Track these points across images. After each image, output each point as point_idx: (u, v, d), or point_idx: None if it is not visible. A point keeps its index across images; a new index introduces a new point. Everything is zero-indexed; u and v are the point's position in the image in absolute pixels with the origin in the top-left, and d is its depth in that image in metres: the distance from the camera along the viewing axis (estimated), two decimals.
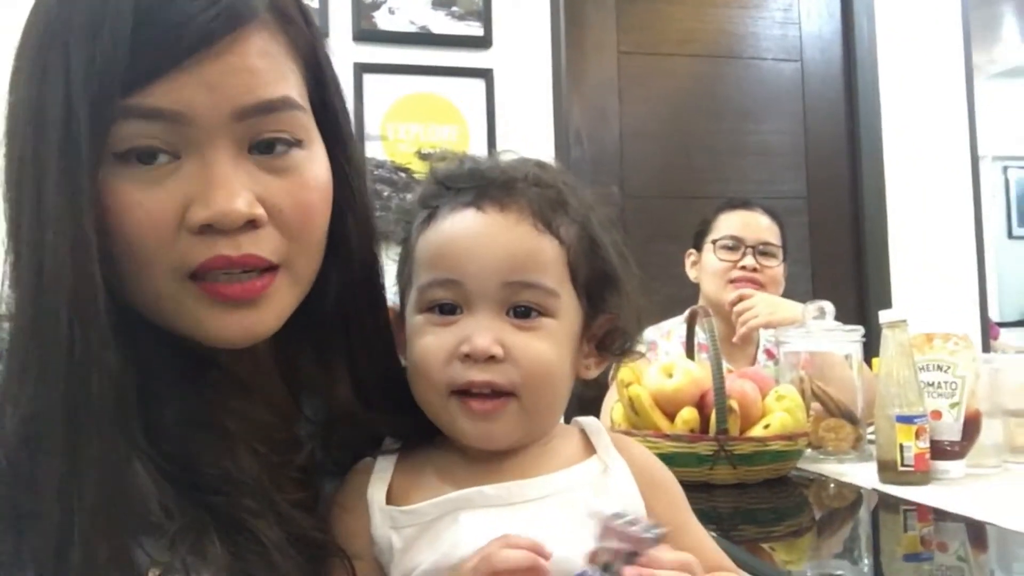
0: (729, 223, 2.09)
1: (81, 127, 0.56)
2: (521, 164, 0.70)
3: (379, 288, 0.73)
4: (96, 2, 0.57)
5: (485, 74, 2.65)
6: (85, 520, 0.53)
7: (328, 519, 0.67)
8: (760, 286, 2.01)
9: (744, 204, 2.12)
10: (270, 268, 0.62)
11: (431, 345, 0.66)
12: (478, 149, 2.61)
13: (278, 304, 0.63)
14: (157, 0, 0.57)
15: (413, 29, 2.62)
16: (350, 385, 0.71)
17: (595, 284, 0.69)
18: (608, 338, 0.72)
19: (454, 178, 0.69)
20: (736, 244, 2.05)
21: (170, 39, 0.56)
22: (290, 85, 0.62)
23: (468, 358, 0.64)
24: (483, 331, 0.64)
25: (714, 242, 2.08)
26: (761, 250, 2.05)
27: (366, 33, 2.58)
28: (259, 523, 0.59)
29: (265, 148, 0.61)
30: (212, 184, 0.58)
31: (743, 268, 2.02)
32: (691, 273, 2.17)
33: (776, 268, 2.06)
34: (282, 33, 0.63)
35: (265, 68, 0.60)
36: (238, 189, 0.59)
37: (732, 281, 2.02)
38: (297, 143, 0.63)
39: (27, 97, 0.59)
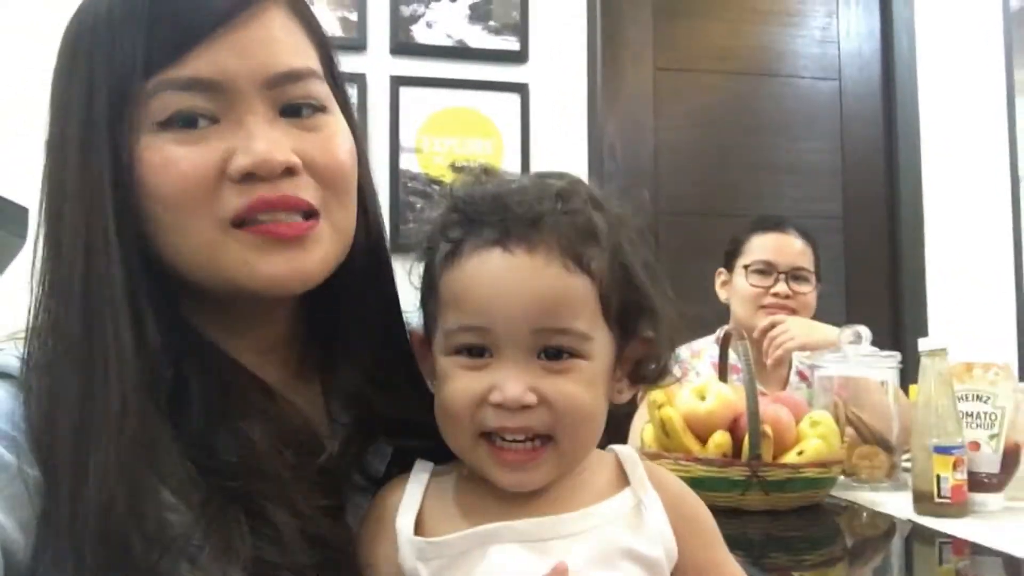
0: (762, 246, 2.05)
1: (99, 107, 0.61)
2: (545, 186, 0.66)
3: (389, 271, 0.77)
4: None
5: (521, 88, 2.66)
6: (99, 473, 0.56)
7: (356, 541, 0.67)
8: (792, 312, 1.98)
9: (777, 225, 2.08)
10: (310, 214, 0.65)
11: (460, 390, 0.64)
12: (512, 162, 2.61)
13: (323, 249, 0.66)
14: None
15: (450, 43, 2.63)
16: (368, 371, 0.73)
17: (627, 312, 0.67)
18: (641, 364, 0.70)
19: (475, 206, 0.65)
20: (768, 269, 2.02)
21: (196, 14, 0.62)
22: (310, 58, 0.68)
23: (500, 406, 0.62)
24: (514, 379, 0.62)
25: (746, 267, 2.04)
26: (794, 275, 2.01)
27: (403, 47, 2.59)
28: (276, 512, 0.61)
29: (294, 112, 0.66)
30: (250, 136, 0.63)
31: (775, 295, 1.99)
32: (721, 294, 2.14)
33: (809, 294, 2.03)
34: (296, 13, 0.68)
35: (288, 41, 0.66)
36: (275, 139, 0.63)
37: (763, 307, 2.00)
38: (322, 108, 0.68)
39: (57, 84, 0.65)
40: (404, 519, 0.65)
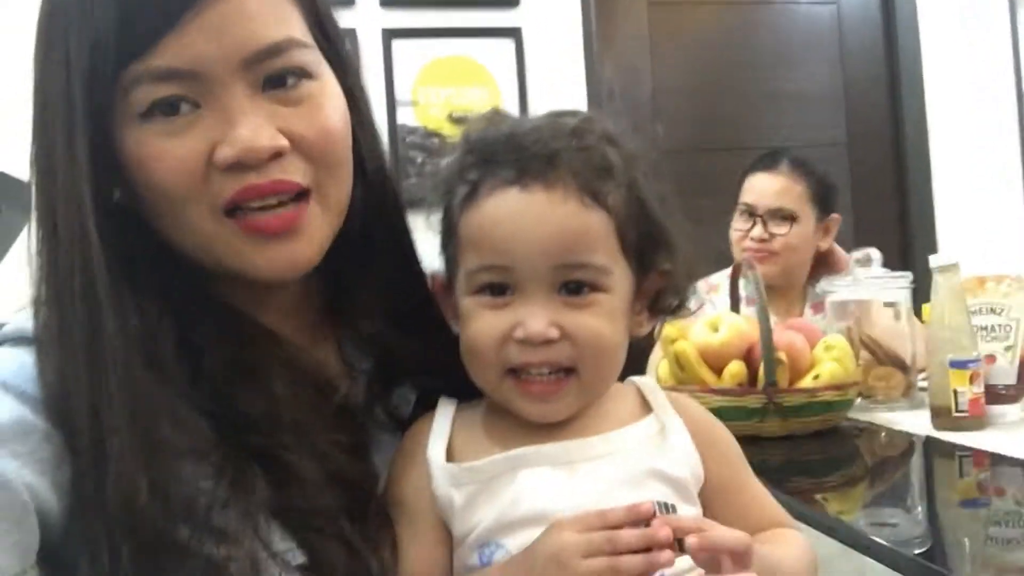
0: (748, 188, 2.02)
1: (78, 98, 0.60)
2: (560, 124, 0.67)
3: (399, 207, 0.75)
4: None
5: (514, 33, 2.63)
6: (118, 458, 0.56)
7: (389, 474, 0.68)
8: (772, 254, 1.95)
9: (769, 164, 2.02)
10: (301, 195, 0.64)
11: (484, 328, 0.65)
12: (509, 110, 2.58)
13: (315, 233, 0.65)
14: None
15: None
16: (385, 313, 0.72)
17: (645, 245, 0.68)
18: (660, 297, 0.71)
19: (491, 147, 0.66)
20: (750, 211, 1.99)
21: None
22: (292, 25, 0.64)
23: (524, 342, 0.63)
24: (537, 315, 0.63)
25: (736, 208, 2.03)
26: (773, 215, 1.96)
27: None
28: (296, 459, 0.61)
29: (278, 82, 0.63)
30: (233, 124, 0.61)
31: (752, 239, 1.96)
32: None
33: (789, 234, 1.96)
34: None
35: (264, 12, 0.62)
36: (259, 125, 0.61)
37: (745, 251, 1.96)
38: (308, 75, 0.65)
39: (36, 82, 0.63)
40: (435, 448, 0.66)
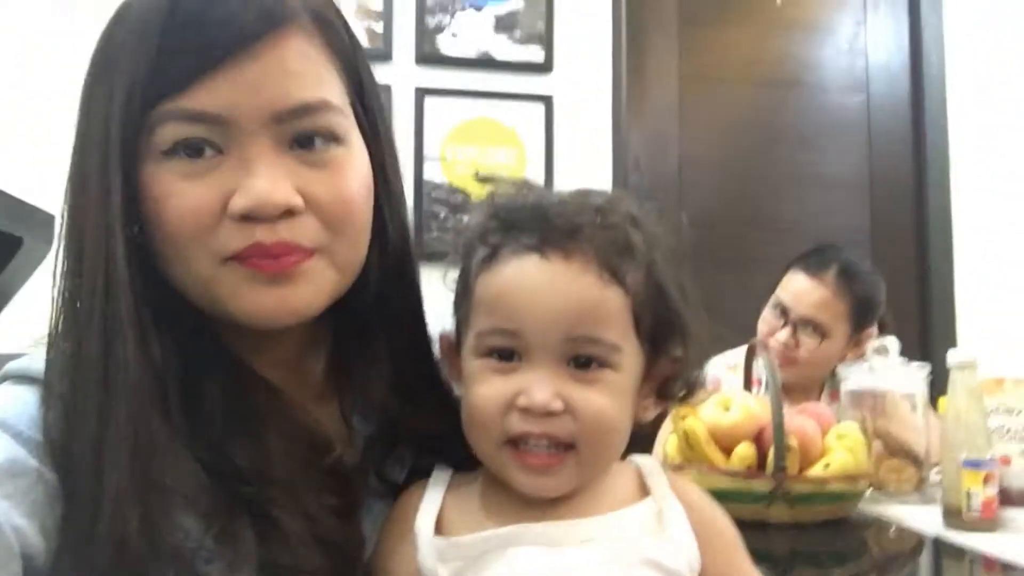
0: (786, 285, 1.94)
1: (116, 130, 0.60)
2: (586, 201, 0.67)
3: (414, 280, 0.75)
4: (144, 12, 0.61)
5: (545, 99, 2.66)
6: (114, 493, 0.55)
7: (377, 542, 0.67)
8: (792, 362, 1.88)
9: (816, 268, 1.91)
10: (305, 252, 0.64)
11: (488, 394, 0.64)
12: (535, 173, 2.61)
13: (314, 282, 0.64)
14: (195, 3, 0.60)
15: (475, 54, 2.64)
16: (390, 381, 0.72)
17: (659, 329, 0.67)
18: (668, 383, 0.70)
19: (516, 215, 0.67)
20: (783, 311, 1.92)
21: (208, 41, 0.59)
22: (328, 88, 0.65)
23: (526, 411, 0.62)
24: (542, 384, 0.62)
25: (771, 297, 1.97)
26: (804, 324, 1.89)
27: (429, 57, 2.61)
28: (284, 515, 0.61)
29: (305, 142, 0.63)
30: (252, 174, 0.61)
31: (778, 340, 1.90)
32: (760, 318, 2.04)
33: (816, 349, 1.89)
34: (320, 36, 0.65)
35: (303, 71, 0.63)
36: (277, 179, 0.61)
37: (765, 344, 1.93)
38: (336, 140, 0.65)
39: (81, 112, 0.64)
40: (424, 519, 0.65)
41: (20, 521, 0.54)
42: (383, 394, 0.72)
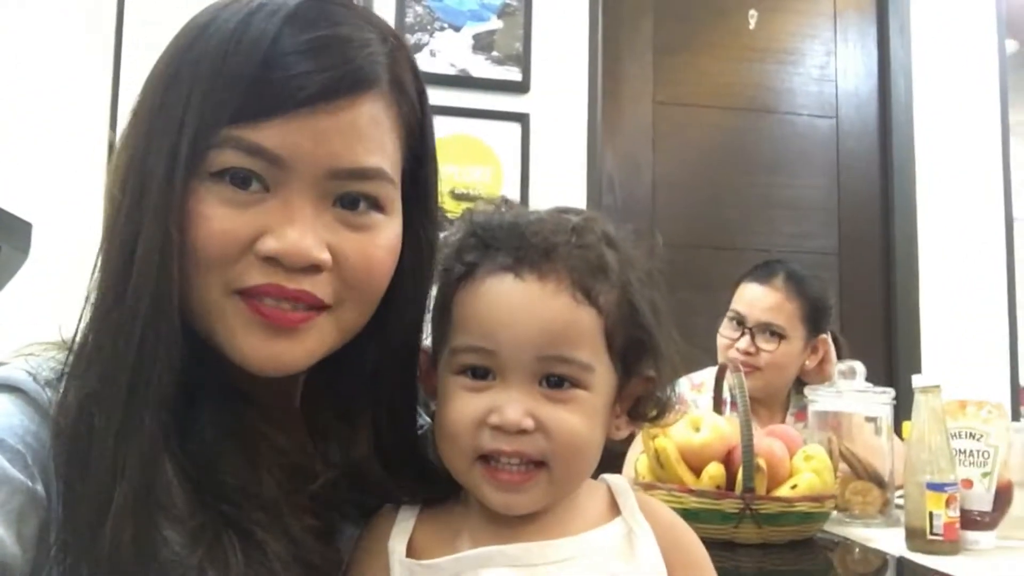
0: (739, 295, 2.00)
1: (185, 145, 0.60)
2: (561, 220, 0.68)
3: (414, 361, 0.73)
4: (231, 42, 0.61)
5: (521, 118, 2.68)
6: (123, 498, 0.56)
7: (348, 565, 0.68)
8: (755, 369, 1.92)
9: (764, 276, 1.99)
10: (318, 307, 0.64)
11: (461, 409, 0.65)
12: (511, 191, 2.63)
13: (313, 340, 0.64)
14: (289, 47, 0.60)
15: (453, 72, 2.66)
16: (371, 447, 0.71)
17: (631, 349, 0.68)
18: (641, 403, 0.71)
19: (493, 233, 0.67)
20: (740, 320, 1.97)
21: (292, 87, 0.60)
22: (387, 157, 0.65)
23: (498, 429, 0.63)
24: (514, 403, 0.63)
25: (726, 313, 2.01)
26: (763, 330, 1.95)
27: None
28: (267, 537, 0.61)
29: (349, 203, 0.64)
30: (290, 221, 0.61)
31: (738, 349, 1.94)
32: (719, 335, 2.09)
33: (776, 352, 1.94)
34: (395, 105, 0.66)
35: (370, 136, 0.63)
36: (313, 232, 0.61)
37: (730, 360, 1.93)
38: (379, 208, 0.65)
39: (149, 107, 0.63)
40: (397, 541, 0.66)
41: (0, 530, 0.54)
42: (361, 461, 0.71)
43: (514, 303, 0.64)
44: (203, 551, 0.58)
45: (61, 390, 0.60)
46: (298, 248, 0.61)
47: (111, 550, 0.54)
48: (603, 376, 0.66)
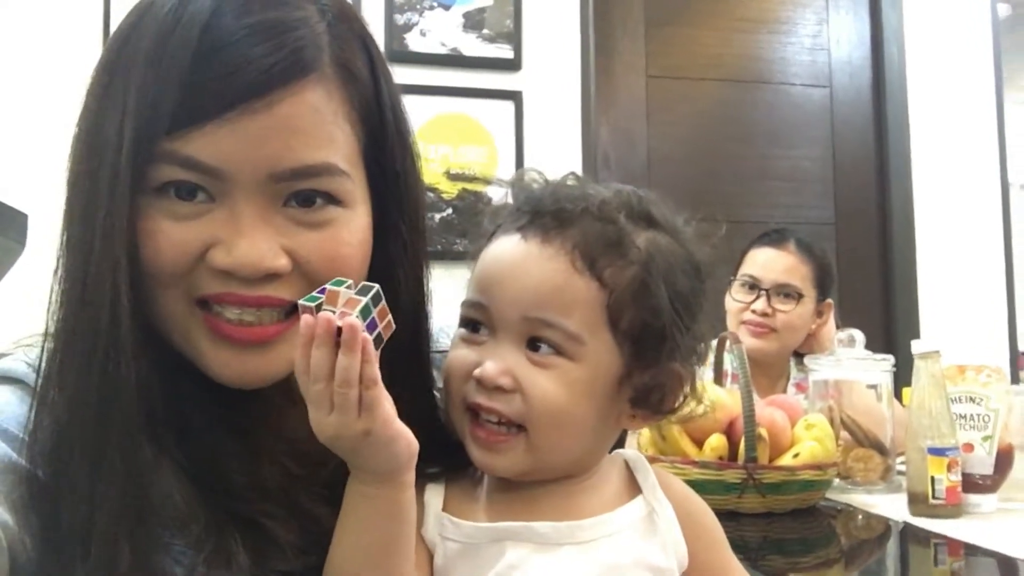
0: (752, 260, 2.03)
1: (125, 157, 0.57)
2: (595, 193, 0.67)
3: (425, 344, 0.71)
4: (164, 33, 0.58)
5: (514, 96, 2.67)
6: (106, 523, 0.54)
7: None
8: (771, 331, 1.96)
9: (777, 241, 2.03)
10: (289, 310, 0.61)
11: (455, 359, 0.67)
12: (506, 170, 2.63)
13: (287, 351, 0.61)
14: (220, 40, 0.57)
15: (444, 51, 2.64)
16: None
17: (643, 335, 0.65)
18: (651, 393, 0.68)
19: (528, 199, 0.68)
20: (753, 284, 1.99)
21: (223, 83, 0.56)
22: (336, 149, 0.61)
23: (479, 382, 0.64)
24: (496, 360, 0.64)
25: (734, 280, 2.03)
26: (778, 292, 1.97)
27: (398, 55, 2.60)
28: (278, 527, 0.60)
29: (303, 201, 0.61)
30: (238, 232, 0.58)
31: (754, 312, 1.97)
32: (726, 301, 2.09)
33: (792, 312, 1.97)
34: (341, 90, 0.62)
35: (312, 130, 0.60)
36: (262, 242, 0.59)
37: (744, 322, 1.97)
38: (336, 202, 0.62)
39: (90, 114, 0.61)
40: (432, 494, 0.66)
41: (6, 517, 0.54)
42: None
43: (509, 261, 0.65)
44: (208, 555, 0.57)
45: (32, 420, 0.58)
46: (249, 259, 0.58)
47: (107, 570, 0.53)
48: (598, 352, 0.64)
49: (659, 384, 0.68)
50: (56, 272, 0.60)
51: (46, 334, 0.60)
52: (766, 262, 2.00)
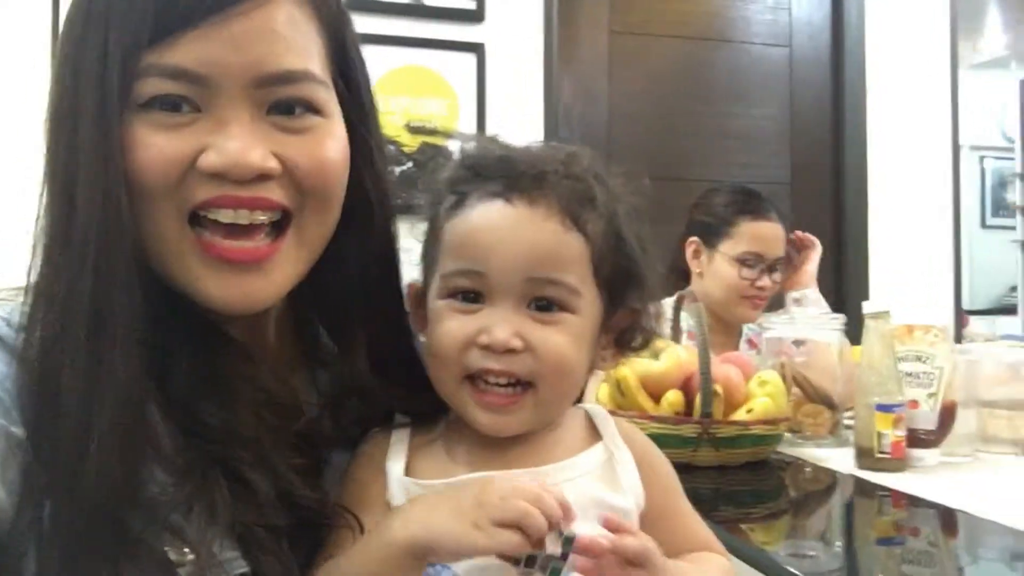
0: (753, 236, 1.99)
1: (113, 73, 0.58)
2: (551, 154, 0.70)
3: (396, 261, 0.74)
4: None
5: (477, 48, 2.64)
6: (102, 438, 0.55)
7: (340, 489, 0.69)
8: (765, 301, 2.01)
9: (764, 212, 2.01)
10: (280, 222, 0.63)
11: (451, 331, 0.67)
12: (467, 123, 2.61)
13: (283, 271, 0.64)
14: None
15: (405, 0, 2.60)
16: (367, 359, 0.72)
17: (617, 280, 0.70)
18: (627, 333, 0.74)
19: (484, 164, 0.69)
20: (757, 261, 1.98)
21: None
22: (313, 59, 0.64)
23: (487, 348, 0.65)
24: (503, 323, 0.65)
25: (734, 255, 1.98)
26: (775, 264, 2.00)
27: (357, 3, 2.53)
28: (253, 475, 0.61)
29: (285, 109, 0.63)
30: (227, 136, 0.60)
31: (760, 288, 1.97)
32: (693, 265, 2.06)
33: (779, 278, 2.03)
34: (310, 5, 0.64)
35: (290, 37, 0.62)
36: (253, 142, 0.60)
37: (746, 297, 1.98)
38: (315, 111, 0.64)
39: (71, 39, 0.61)
40: (393, 462, 0.68)
41: None
42: (358, 375, 0.71)
43: (504, 226, 0.66)
44: (191, 488, 0.58)
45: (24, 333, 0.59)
46: (243, 158, 0.60)
47: (95, 490, 0.55)
48: (589, 303, 0.69)
49: (634, 324, 0.73)
50: (37, 220, 0.60)
51: (26, 289, 0.60)
52: (770, 238, 2.00)
